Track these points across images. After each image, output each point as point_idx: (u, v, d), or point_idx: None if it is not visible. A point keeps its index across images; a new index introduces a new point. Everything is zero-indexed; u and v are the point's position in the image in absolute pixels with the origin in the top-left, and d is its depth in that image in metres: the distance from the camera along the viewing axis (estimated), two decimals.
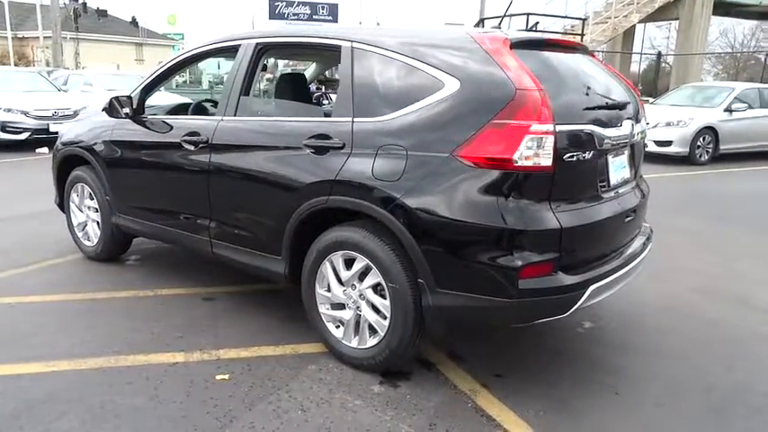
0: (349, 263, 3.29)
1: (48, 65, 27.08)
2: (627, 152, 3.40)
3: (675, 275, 5.03)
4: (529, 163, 2.73)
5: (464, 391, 3.14)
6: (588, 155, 2.96)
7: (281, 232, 3.49)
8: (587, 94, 3.10)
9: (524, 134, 2.72)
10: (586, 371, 3.40)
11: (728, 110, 12.21)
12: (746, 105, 12.35)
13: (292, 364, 3.36)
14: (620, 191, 3.31)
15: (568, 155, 2.85)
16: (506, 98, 2.76)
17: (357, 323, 3.30)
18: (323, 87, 12.18)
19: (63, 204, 5.17)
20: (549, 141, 2.74)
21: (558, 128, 2.78)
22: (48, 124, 11.71)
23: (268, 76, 13.40)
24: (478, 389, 3.18)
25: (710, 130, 11.93)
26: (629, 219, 3.34)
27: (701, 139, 11.87)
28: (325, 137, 3.25)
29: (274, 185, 3.48)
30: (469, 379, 3.27)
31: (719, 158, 12.15)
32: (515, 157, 2.72)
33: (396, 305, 3.06)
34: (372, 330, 3.25)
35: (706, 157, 11.99)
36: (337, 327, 3.41)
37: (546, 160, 2.75)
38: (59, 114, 11.80)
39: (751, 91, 12.84)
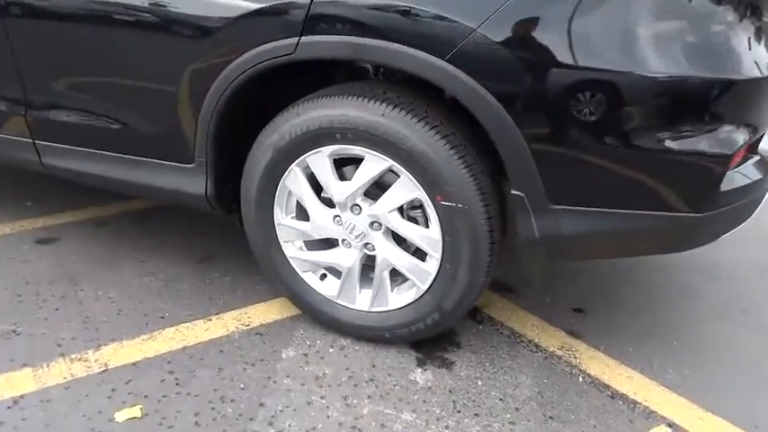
0: (343, 166, 1.76)
1: None
2: None
3: None
4: None
5: (554, 352, 1.93)
6: None
7: (193, 117, 1.81)
8: None
9: None
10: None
11: None
12: None
13: (243, 353, 1.88)
14: None
15: None
16: None
17: (362, 271, 1.86)
18: None
19: None
20: None
21: None
22: None
23: None
24: (571, 344, 1.99)
25: None
26: None
27: None
28: None
29: (167, 26, 1.73)
30: (550, 330, 2.05)
31: None
32: None
33: (455, 237, 1.65)
34: (395, 280, 1.84)
35: None
36: (322, 278, 1.94)
37: None
38: None
39: None
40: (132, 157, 1.98)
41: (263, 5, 1.60)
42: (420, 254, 1.77)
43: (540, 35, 1.40)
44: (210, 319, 2.05)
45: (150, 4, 1.73)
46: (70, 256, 2.42)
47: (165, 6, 1.71)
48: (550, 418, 1.67)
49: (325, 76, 1.87)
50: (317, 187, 1.80)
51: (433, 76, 1.49)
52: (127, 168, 2.00)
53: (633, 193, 1.48)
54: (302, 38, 1.57)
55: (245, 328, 2.01)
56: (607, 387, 1.79)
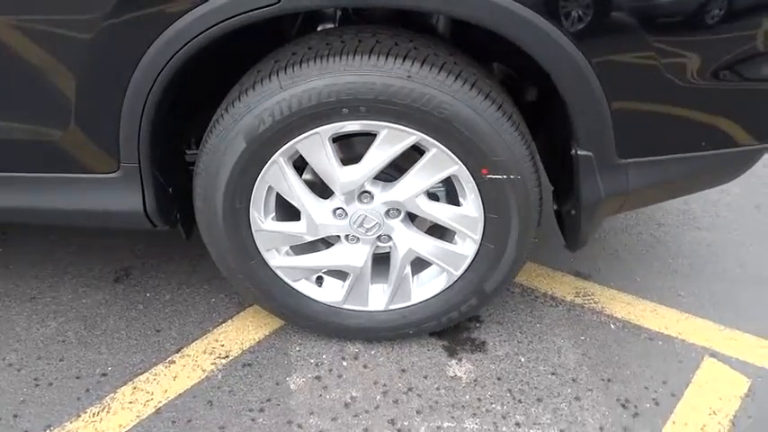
0: (346, 148, 1.36)
1: None
2: None
3: None
4: None
5: (573, 302, 1.81)
6: None
7: (113, 105, 1.24)
8: None
9: None
10: None
11: None
12: None
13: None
14: None
15: None
16: None
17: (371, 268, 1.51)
18: None
19: None
20: None
21: None
22: None
23: None
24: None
25: None
26: None
27: None
28: None
29: None
30: (557, 276, 1.91)
31: None
32: None
33: (503, 213, 1.37)
34: (417, 269, 1.53)
35: None
36: (319, 282, 1.55)
37: None
38: None
39: None
40: (28, 175, 1.34)
41: None
42: (448, 236, 1.47)
43: None
44: (174, 361, 1.58)
45: None
46: None
47: None
48: (609, 380, 1.55)
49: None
50: (300, 178, 1.38)
51: (496, 23, 1.13)
52: (26, 192, 1.36)
53: (703, 135, 1.31)
54: None
55: (224, 361, 1.58)
56: (639, 328, 1.71)
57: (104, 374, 1.54)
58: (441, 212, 1.40)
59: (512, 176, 1.30)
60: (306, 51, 1.24)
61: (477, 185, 1.33)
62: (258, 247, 1.45)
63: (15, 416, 1.41)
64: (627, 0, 1.14)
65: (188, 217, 1.52)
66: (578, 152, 1.28)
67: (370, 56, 1.21)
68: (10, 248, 1.98)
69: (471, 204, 1.37)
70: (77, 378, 1.52)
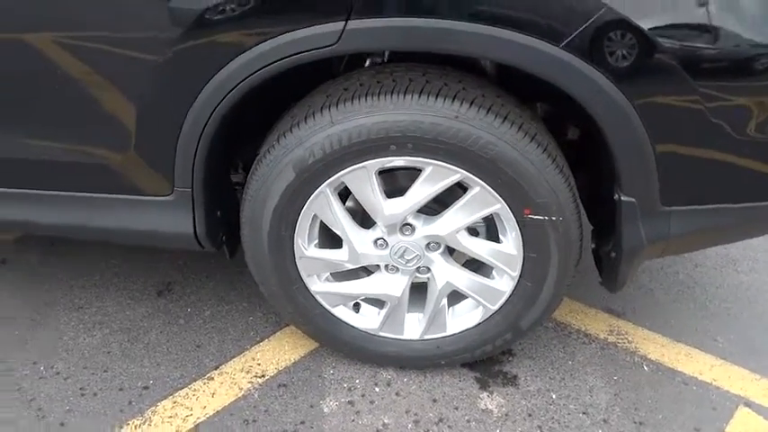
0: (389, 180, 1.39)
1: None
2: None
3: None
4: None
5: (607, 340, 1.80)
6: None
7: (170, 135, 1.30)
8: None
9: None
10: None
11: None
12: None
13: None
14: None
15: None
16: None
17: (409, 297, 1.54)
18: None
19: None
20: None
21: None
22: None
23: None
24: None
25: None
26: None
27: None
28: None
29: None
30: (590, 313, 1.91)
31: None
32: None
33: (542, 253, 1.38)
34: (454, 301, 1.55)
35: None
36: (356, 308, 1.59)
37: None
38: None
39: None
40: (83, 194, 1.41)
41: None
42: (484, 270, 1.49)
43: (691, 14, 1.12)
44: (212, 377, 1.63)
45: None
46: None
47: None
48: (640, 424, 1.55)
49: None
50: (343, 208, 1.42)
51: (537, 66, 1.16)
52: (79, 210, 1.43)
53: (753, 184, 1.31)
54: (350, 22, 1.13)
55: (261, 380, 1.62)
56: (673, 372, 1.70)
57: (146, 387, 1.59)
58: (480, 248, 1.43)
59: (554, 218, 1.33)
60: (357, 88, 1.29)
61: (518, 224, 1.36)
62: (300, 272, 1.49)
63: (62, 424, 1.47)
64: (670, 43, 1.15)
65: (232, 237, 1.57)
66: (621, 198, 1.30)
67: (419, 95, 1.25)
68: (58, 257, 2.06)
69: (511, 242, 1.39)
70: (120, 390, 1.58)
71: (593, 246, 1.59)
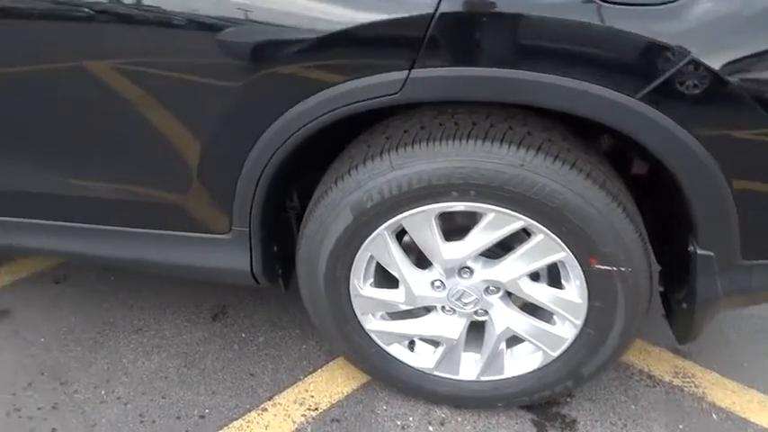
0: (448, 221, 1.35)
1: None
2: None
3: None
4: None
5: (672, 383, 1.71)
6: None
7: (230, 176, 1.30)
8: None
9: None
10: None
11: None
12: None
13: None
14: None
15: None
16: None
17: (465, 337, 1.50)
18: None
19: None
20: None
21: None
22: None
23: None
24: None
25: None
26: None
27: None
28: None
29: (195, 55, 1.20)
30: (654, 352, 1.82)
31: None
32: None
33: (609, 303, 1.32)
34: (512, 343, 1.50)
35: None
36: (411, 347, 1.56)
37: None
38: None
39: None
40: (141, 230, 1.43)
41: (360, 21, 1.09)
42: (544, 315, 1.43)
43: None
44: (266, 408, 1.63)
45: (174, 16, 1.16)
46: (38, 339, 1.85)
47: (190, 23, 1.16)
48: None
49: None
50: (401, 250, 1.39)
51: (610, 117, 1.10)
52: (137, 245, 1.45)
53: None
54: (413, 71, 1.10)
55: (314, 414, 1.62)
56: (745, 422, 1.60)
57: (202, 417, 1.61)
58: (542, 294, 1.37)
59: (622, 268, 1.26)
60: (418, 131, 1.25)
61: (583, 273, 1.30)
62: (355, 311, 1.47)
63: None
64: (736, 77, 1.05)
65: (288, 269, 1.57)
66: (697, 250, 1.22)
67: (483, 141, 1.20)
68: (117, 275, 2.11)
69: (575, 290, 1.33)
70: (178, 418, 1.60)
71: (661, 289, 1.51)
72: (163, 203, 1.39)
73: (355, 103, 1.15)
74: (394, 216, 1.30)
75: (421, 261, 1.42)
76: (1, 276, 2.13)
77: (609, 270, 1.27)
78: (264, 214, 1.37)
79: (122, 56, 1.25)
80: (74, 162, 1.40)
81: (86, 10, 1.21)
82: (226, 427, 1.58)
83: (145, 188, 1.39)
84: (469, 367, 1.53)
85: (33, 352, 1.82)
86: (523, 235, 1.32)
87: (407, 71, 1.09)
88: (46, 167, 1.42)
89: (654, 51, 1.04)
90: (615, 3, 1.02)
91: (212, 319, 1.93)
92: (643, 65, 1.04)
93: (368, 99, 1.14)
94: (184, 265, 1.47)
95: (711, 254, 1.22)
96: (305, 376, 1.73)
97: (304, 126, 1.19)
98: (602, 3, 1.02)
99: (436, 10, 1.04)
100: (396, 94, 1.12)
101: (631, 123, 1.10)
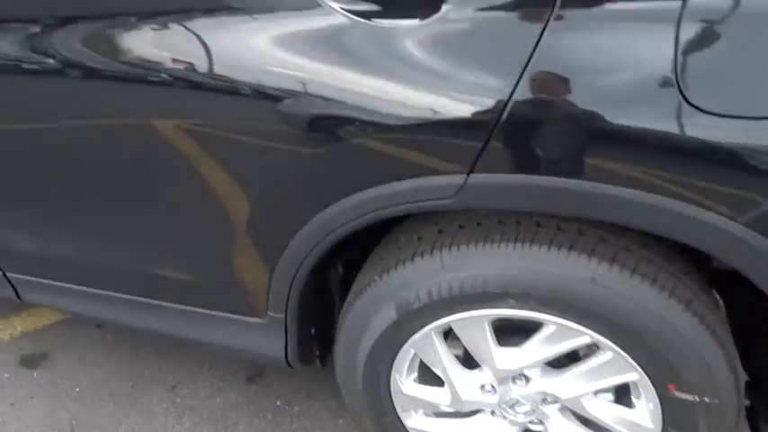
0: (504, 329, 1.20)
1: None
2: None
3: None
4: None
5: None
6: None
7: (266, 265, 1.20)
8: None
9: None
10: None
11: None
12: None
13: None
14: None
15: None
16: None
17: None
18: None
19: None
20: None
21: None
22: None
23: None
24: None
25: None
26: None
27: None
28: None
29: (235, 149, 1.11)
30: None
31: None
32: None
33: (686, 431, 1.14)
34: None
35: None
36: None
37: None
38: None
39: None
40: (177, 306, 1.36)
41: (418, 116, 0.96)
42: None
43: None
44: None
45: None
46: (73, 388, 1.81)
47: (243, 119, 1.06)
48: None
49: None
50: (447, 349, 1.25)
51: (703, 242, 0.93)
52: (172, 320, 1.38)
53: None
54: (471, 175, 0.96)
55: None
56: None
57: None
58: (606, 414, 1.21)
59: (706, 399, 1.08)
60: (475, 228, 1.11)
61: (659, 397, 1.12)
62: (395, 406, 1.34)
63: None
64: None
65: (326, 348, 1.46)
66: None
67: (549, 247, 1.05)
68: None
69: (647, 413, 1.16)
70: None
71: (747, 403, 1.32)
72: (201, 282, 1.31)
73: (404, 204, 1.02)
74: (443, 317, 1.16)
75: (470, 359, 1.28)
76: (45, 315, 2.11)
77: (690, 400, 1.09)
78: (302, 303, 1.26)
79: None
80: (116, 238, 1.33)
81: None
82: None
83: (183, 267, 1.31)
84: None
85: (67, 403, 1.78)
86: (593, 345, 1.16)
87: (465, 176, 0.96)
88: (115, 245, 1.37)
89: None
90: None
91: (247, 380, 1.84)
92: (746, 186, 0.87)
93: (418, 201, 1.01)
94: (218, 344, 1.38)
95: None
96: None
97: (347, 223, 1.07)
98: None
99: (503, 111, 0.90)
100: (449, 199, 0.99)
101: (722, 248, 0.93)
